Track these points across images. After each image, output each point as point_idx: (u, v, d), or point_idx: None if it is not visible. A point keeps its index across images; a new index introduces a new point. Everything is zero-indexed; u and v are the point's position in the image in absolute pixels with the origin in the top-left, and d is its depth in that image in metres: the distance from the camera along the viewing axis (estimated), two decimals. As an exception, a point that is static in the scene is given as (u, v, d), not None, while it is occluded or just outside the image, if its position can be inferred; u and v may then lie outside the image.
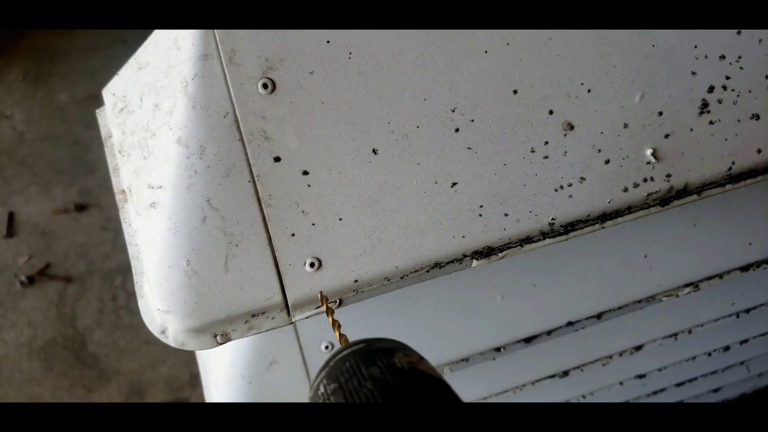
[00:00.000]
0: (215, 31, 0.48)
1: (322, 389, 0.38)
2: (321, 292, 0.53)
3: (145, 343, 1.86)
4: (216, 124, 0.50)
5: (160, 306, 0.53)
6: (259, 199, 0.52)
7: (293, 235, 0.53)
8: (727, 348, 1.17)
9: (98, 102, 1.91)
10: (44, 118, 2.20)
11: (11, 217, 2.05)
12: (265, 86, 0.50)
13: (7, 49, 2.31)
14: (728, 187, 0.63)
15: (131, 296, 1.92)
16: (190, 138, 0.50)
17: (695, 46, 0.58)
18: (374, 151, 0.53)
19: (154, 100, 0.52)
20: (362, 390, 0.35)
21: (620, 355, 0.97)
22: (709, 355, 1.16)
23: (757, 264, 0.83)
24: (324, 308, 0.53)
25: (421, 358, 0.40)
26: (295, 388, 0.72)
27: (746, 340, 1.17)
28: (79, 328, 1.89)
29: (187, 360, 1.79)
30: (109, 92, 0.58)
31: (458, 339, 0.75)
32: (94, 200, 2.06)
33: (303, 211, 0.53)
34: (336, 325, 0.49)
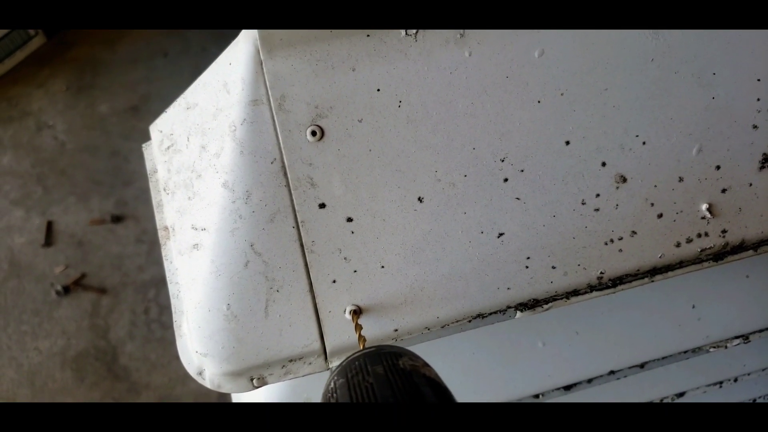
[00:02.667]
0: (266, 77, 0.48)
1: (332, 384, 0.41)
2: (352, 308, 0.52)
3: (176, 358, 1.87)
4: (263, 169, 0.49)
5: (199, 348, 0.53)
6: (302, 245, 0.51)
7: (334, 281, 0.52)
8: (772, 396, 1.13)
9: (138, 114, 1.94)
10: (85, 129, 2.24)
11: (50, 226, 2.08)
12: (313, 133, 0.49)
13: (53, 60, 2.37)
14: (787, 243, 0.60)
15: (163, 309, 1.94)
16: (237, 182, 0.49)
17: (758, 99, 0.56)
18: (420, 200, 0.52)
19: (201, 141, 0.52)
20: (364, 383, 0.39)
21: (661, 401, 0.94)
22: (754, 401, 1.12)
23: (811, 317, 0.79)
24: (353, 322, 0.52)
25: (426, 364, 0.43)
26: (327, 428, 0.71)
27: (793, 389, 1.12)
28: (112, 340, 1.91)
29: (216, 377, 1.80)
30: (156, 129, 0.58)
31: (496, 385, 0.73)
32: (130, 212, 2.09)
33: (345, 258, 0.52)
34: (362, 340, 0.50)
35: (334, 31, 0.48)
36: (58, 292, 1.99)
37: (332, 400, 0.39)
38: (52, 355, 1.92)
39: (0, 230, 2.08)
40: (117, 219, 2.08)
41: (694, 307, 0.75)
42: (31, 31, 2.34)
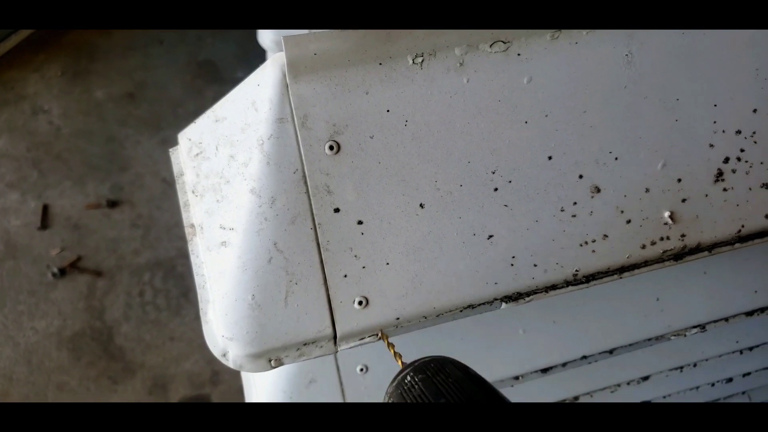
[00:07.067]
0: (291, 98, 0.55)
1: (408, 378, 0.47)
2: (381, 331, 0.60)
3: (170, 339, 1.94)
4: (286, 178, 0.56)
5: (225, 333, 0.60)
6: (318, 244, 0.58)
7: (345, 276, 0.60)
8: (730, 379, 1.23)
9: (134, 101, 2.00)
10: (81, 114, 2.28)
11: (46, 209, 2.13)
12: (331, 147, 0.56)
13: (48, 45, 2.39)
14: (737, 246, 0.69)
15: (158, 293, 2.00)
16: (263, 189, 0.57)
17: (714, 122, 0.64)
18: (421, 206, 0.60)
19: (229, 151, 0.59)
20: (448, 381, 0.46)
21: (628, 383, 1.03)
22: (713, 385, 1.22)
23: (762, 310, 0.89)
24: (377, 340, 0.60)
25: None
26: (330, 404, 0.79)
27: (749, 373, 1.23)
28: (107, 321, 1.97)
29: (209, 358, 1.87)
30: (185, 137, 0.64)
31: (481, 367, 0.81)
32: (126, 197, 2.14)
33: (355, 256, 0.60)
34: (398, 356, 0.57)
35: (351, 59, 0.55)
36: (54, 274, 2.04)
37: (413, 391, 0.45)
38: (49, 334, 1.98)
39: (-4, 212, 2.13)
40: (112, 204, 2.14)
41: (658, 299, 0.84)
42: (25, 15, 2.36)
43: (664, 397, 1.20)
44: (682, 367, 1.02)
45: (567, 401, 1.01)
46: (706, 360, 1.03)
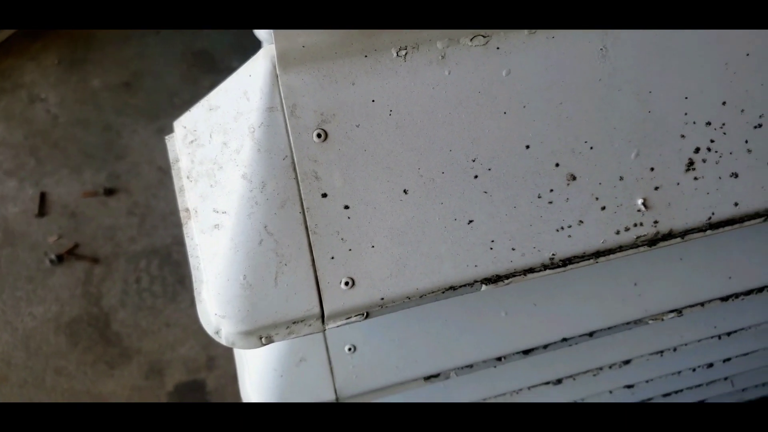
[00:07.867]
0: (281, 88, 0.58)
1: None
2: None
3: (166, 326, 1.97)
4: (276, 164, 0.59)
5: (218, 311, 0.64)
6: (306, 228, 0.61)
7: (332, 258, 0.63)
8: (710, 365, 1.27)
9: (130, 90, 2.01)
10: (77, 103, 2.30)
11: (43, 197, 2.15)
12: (318, 135, 0.59)
13: (44, 34, 2.41)
14: (709, 232, 0.72)
15: (154, 279, 2.03)
16: (254, 175, 0.60)
17: (685, 113, 0.67)
18: (405, 191, 0.63)
19: (222, 138, 0.62)
20: None
21: (610, 367, 1.07)
22: (694, 370, 1.26)
23: (736, 295, 0.92)
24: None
25: None
26: (320, 383, 0.82)
27: (729, 359, 1.26)
28: (104, 308, 2.01)
29: (205, 343, 1.91)
30: (180, 124, 0.67)
31: (465, 348, 0.85)
32: (122, 185, 2.17)
33: (342, 239, 0.63)
34: None
35: (338, 51, 0.58)
36: (51, 261, 2.07)
37: None
38: (47, 320, 2.01)
39: (-6, 200, 2.15)
40: (109, 192, 2.16)
41: (635, 284, 0.87)
42: (22, 4, 2.37)
43: (647, 381, 1.24)
44: (662, 352, 1.06)
45: (551, 383, 1.05)
46: (686, 345, 1.06)
